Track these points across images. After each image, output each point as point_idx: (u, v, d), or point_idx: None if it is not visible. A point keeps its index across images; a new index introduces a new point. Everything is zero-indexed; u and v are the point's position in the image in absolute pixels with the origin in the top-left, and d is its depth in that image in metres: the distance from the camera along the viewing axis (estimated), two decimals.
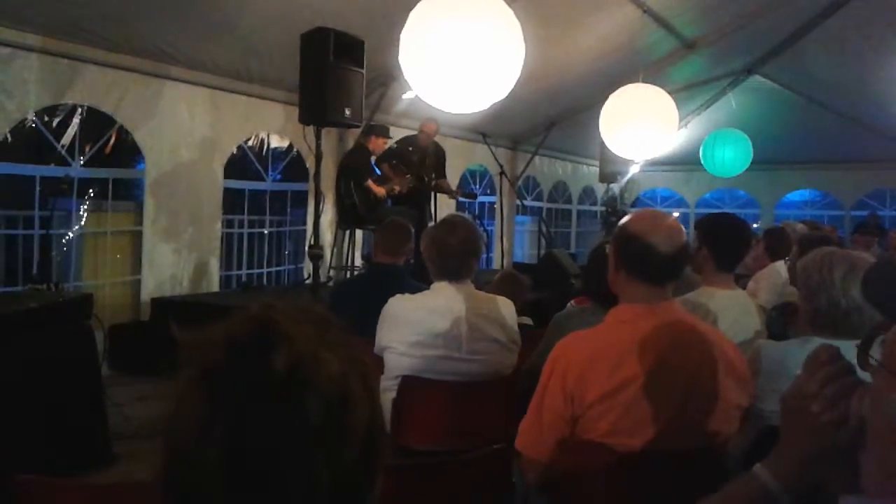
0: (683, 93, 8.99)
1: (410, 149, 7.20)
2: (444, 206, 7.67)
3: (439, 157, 7.40)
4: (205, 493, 0.66)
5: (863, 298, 0.95)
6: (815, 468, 1.03)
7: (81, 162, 5.42)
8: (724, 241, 3.07)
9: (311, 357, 0.68)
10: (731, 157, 9.68)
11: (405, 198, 7.12)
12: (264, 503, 0.65)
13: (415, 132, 7.32)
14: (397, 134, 7.39)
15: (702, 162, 10.01)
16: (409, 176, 7.02)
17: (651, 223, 2.03)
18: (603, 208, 11.86)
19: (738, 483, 1.09)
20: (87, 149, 5.52)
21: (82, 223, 5.54)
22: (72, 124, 5.29)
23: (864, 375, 0.93)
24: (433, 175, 7.31)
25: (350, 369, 0.70)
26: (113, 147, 5.85)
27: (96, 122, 5.45)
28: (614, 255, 2.08)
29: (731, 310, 2.93)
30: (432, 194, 7.39)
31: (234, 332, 0.70)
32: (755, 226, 11.19)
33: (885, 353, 0.86)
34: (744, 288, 3.66)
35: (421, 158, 7.18)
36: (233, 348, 0.68)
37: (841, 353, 1.00)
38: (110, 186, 5.73)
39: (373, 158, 6.95)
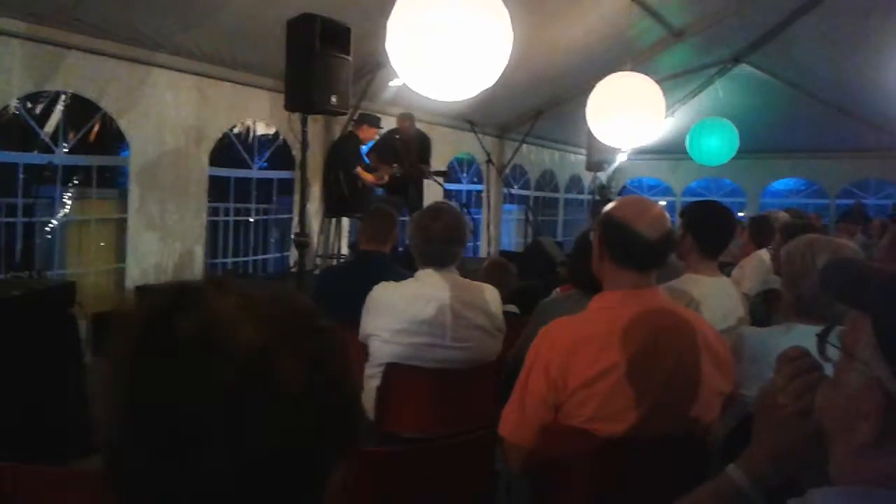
0: (670, 81, 8.99)
1: (397, 136, 7.26)
2: (434, 194, 7.64)
3: (424, 144, 7.47)
4: (133, 460, 0.66)
5: (824, 293, 0.99)
6: (785, 463, 1.09)
7: (65, 149, 5.38)
8: (708, 228, 3.09)
9: (223, 323, 0.67)
10: (718, 145, 9.71)
11: (393, 186, 7.15)
12: (189, 467, 0.65)
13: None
14: (385, 121, 7.37)
15: (688, 151, 10.04)
16: (395, 165, 7.05)
17: (636, 210, 2.04)
18: (590, 196, 11.88)
19: (712, 483, 1.14)
20: (71, 136, 5.47)
21: (66, 211, 5.49)
22: (55, 111, 5.24)
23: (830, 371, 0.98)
24: (418, 162, 7.36)
25: (276, 342, 0.68)
26: (97, 134, 5.80)
27: (80, 108, 5.40)
28: (599, 242, 2.08)
29: (715, 297, 2.94)
30: (420, 181, 7.43)
31: (154, 301, 0.71)
32: (741, 214, 11.25)
33: (842, 336, 0.92)
34: (728, 275, 3.68)
35: (405, 146, 7.22)
36: (148, 316, 0.69)
37: (808, 351, 1.05)
38: (94, 174, 5.69)
39: (363, 147, 6.94)
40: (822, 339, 0.98)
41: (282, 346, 0.68)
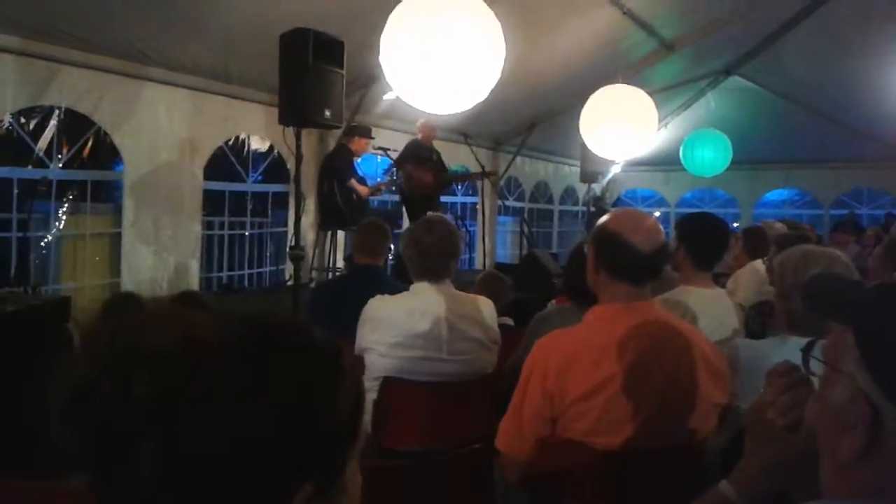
0: (663, 93, 9.03)
1: (424, 147, 7.38)
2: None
3: (439, 153, 7.61)
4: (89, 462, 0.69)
5: (807, 308, 1.01)
6: (776, 478, 1.10)
7: (59, 164, 5.37)
8: (701, 240, 3.10)
9: (146, 329, 0.68)
10: (711, 157, 9.75)
11: (432, 194, 7.33)
12: (109, 463, 0.66)
13: (396, 132, 7.47)
14: (378, 134, 7.38)
15: (682, 162, 10.07)
16: (433, 172, 7.22)
17: (630, 223, 2.04)
18: (584, 208, 11.90)
19: (704, 498, 1.15)
20: (66, 151, 5.46)
21: (60, 226, 5.48)
22: (49, 126, 5.23)
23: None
24: (444, 169, 7.57)
25: (204, 353, 0.67)
26: (91, 149, 5.79)
27: (74, 123, 5.39)
28: (593, 255, 2.09)
29: (710, 308, 2.95)
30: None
31: (100, 306, 0.75)
32: (735, 225, 11.27)
33: (825, 349, 0.93)
34: (723, 286, 3.69)
35: (430, 155, 7.39)
36: (93, 318, 0.72)
37: (798, 366, 1.07)
38: (89, 188, 5.68)
39: (355, 159, 6.94)
40: (805, 353, 0.99)
41: (209, 355, 0.67)
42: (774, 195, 13.81)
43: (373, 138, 6.98)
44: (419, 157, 7.32)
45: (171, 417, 0.65)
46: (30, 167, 5.24)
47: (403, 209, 7.52)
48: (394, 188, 7.47)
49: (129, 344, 0.67)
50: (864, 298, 0.89)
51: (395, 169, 7.29)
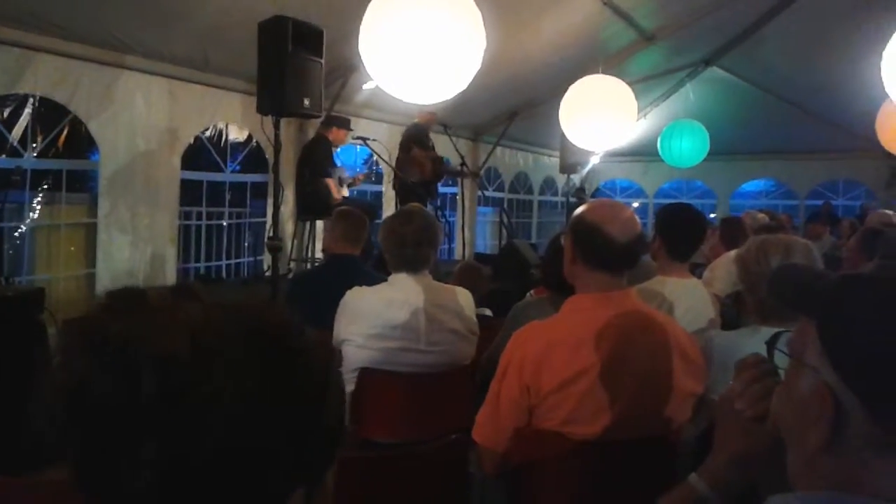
0: (642, 84, 9.06)
1: (425, 132, 7.43)
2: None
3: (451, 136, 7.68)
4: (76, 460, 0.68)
5: (773, 299, 1.02)
6: (745, 469, 1.11)
7: (34, 153, 5.30)
8: (677, 231, 3.12)
9: (152, 330, 0.68)
10: (689, 147, 9.79)
11: (431, 181, 7.39)
12: (115, 471, 0.66)
13: (376, 122, 7.48)
14: (357, 124, 7.35)
15: (660, 153, 10.12)
16: (437, 157, 7.33)
17: (606, 213, 2.05)
18: (564, 199, 11.93)
19: (675, 491, 1.17)
20: (40, 140, 5.39)
21: (35, 216, 5.41)
22: (24, 114, 5.16)
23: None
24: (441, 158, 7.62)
25: (209, 355, 0.67)
26: (66, 138, 5.73)
27: (49, 112, 5.32)
28: (570, 245, 2.09)
29: (686, 298, 2.97)
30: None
31: (98, 301, 0.72)
32: (712, 216, 11.36)
33: (790, 341, 0.94)
34: (699, 277, 3.71)
35: (430, 142, 7.47)
36: (89, 314, 0.71)
37: (766, 358, 1.08)
38: (64, 178, 5.61)
39: (334, 150, 6.90)
40: (770, 345, 0.99)
41: (216, 358, 0.67)
42: (751, 186, 13.93)
43: (351, 130, 6.94)
44: (423, 142, 7.35)
45: (176, 418, 0.65)
46: (3, 156, 5.17)
47: (395, 198, 7.51)
48: (373, 179, 7.45)
49: (139, 345, 0.66)
50: (827, 291, 0.89)
51: (391, 156, 7.28)
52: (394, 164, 7.34)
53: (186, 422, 0.65)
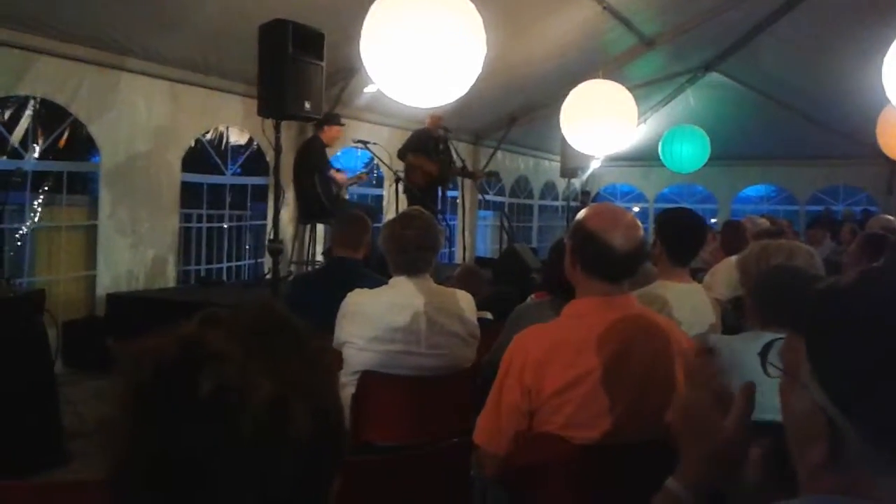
0: (643, 89, 9.08)
1: (429, 135, 7.39)
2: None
3: (450, 142, 7.60)
4: (140, 496, 0.68)
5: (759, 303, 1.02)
6: (712, 467, 1.14)
7: (35, 155, 5.30)
8: (677, 236, 3.11)
9: (240, 382, 0.68)
10: (689, 152, 9.81)
11: (432, 184, 7.35)
12: None
13: (377, 125, 7.50)
14: (358, 128, 7.35)
15: (661, 157, 10.13)
16: (436, 162, 7.27)
17: (608, 220, 2.03)
18: (564, 203, 11.93)
19: (658, 496, 1.19)
20: (41, 141, 5.39)
21: (36, 217, 5.41)
22: (24, 116, 5.16)
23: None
24: (451, 161, 7.57)
25: (288, 389, 0.69)
26: (67, 140, 5.72)
27: (50, 114, 5.32)
28: (571, 251, 2.08)
29: (687, 303, 2.96)
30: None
31: (162, 351, 0.70)
32: (713, 220, 11.36)
33: (782, 353, 0.93)
34: (700, 282, 3.71)
35: (436, 145, 7.39)
36: (160, 367, 0.69)
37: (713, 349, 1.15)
38: (65, 180, 5.61)
39: (329, 149, 6.86)
40: (763, 356, 0.99)
41: (293, 393, 0.69)
42: (751, 191, 13.94)
43: (342, 125, 6.85)
44: (421, 147, 7.33)
45: (266, 464, 0.67)
46: (4, 158, 5.17)
47: (397, 201, 7.51)
48: (374, 182, 7.45)
49: (235, 395, 0.67)
50: (814, 309, 0.87)
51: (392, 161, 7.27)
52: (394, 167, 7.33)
53: (277, 458, 0.68)
